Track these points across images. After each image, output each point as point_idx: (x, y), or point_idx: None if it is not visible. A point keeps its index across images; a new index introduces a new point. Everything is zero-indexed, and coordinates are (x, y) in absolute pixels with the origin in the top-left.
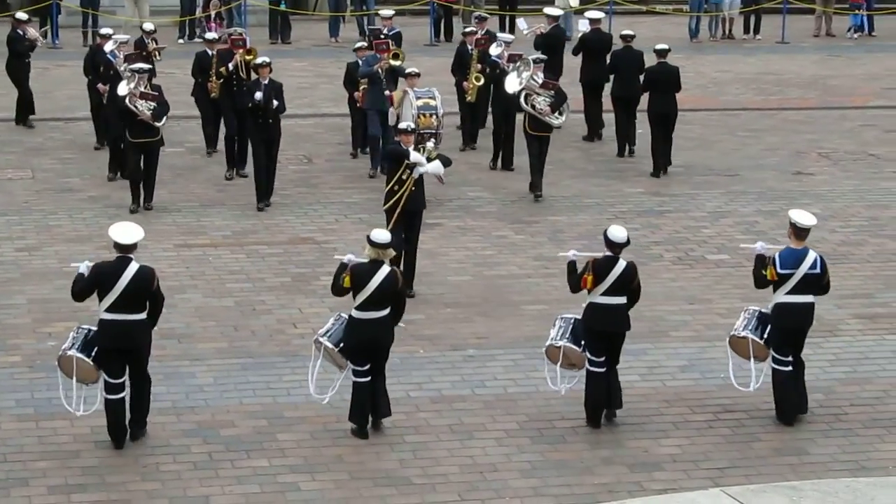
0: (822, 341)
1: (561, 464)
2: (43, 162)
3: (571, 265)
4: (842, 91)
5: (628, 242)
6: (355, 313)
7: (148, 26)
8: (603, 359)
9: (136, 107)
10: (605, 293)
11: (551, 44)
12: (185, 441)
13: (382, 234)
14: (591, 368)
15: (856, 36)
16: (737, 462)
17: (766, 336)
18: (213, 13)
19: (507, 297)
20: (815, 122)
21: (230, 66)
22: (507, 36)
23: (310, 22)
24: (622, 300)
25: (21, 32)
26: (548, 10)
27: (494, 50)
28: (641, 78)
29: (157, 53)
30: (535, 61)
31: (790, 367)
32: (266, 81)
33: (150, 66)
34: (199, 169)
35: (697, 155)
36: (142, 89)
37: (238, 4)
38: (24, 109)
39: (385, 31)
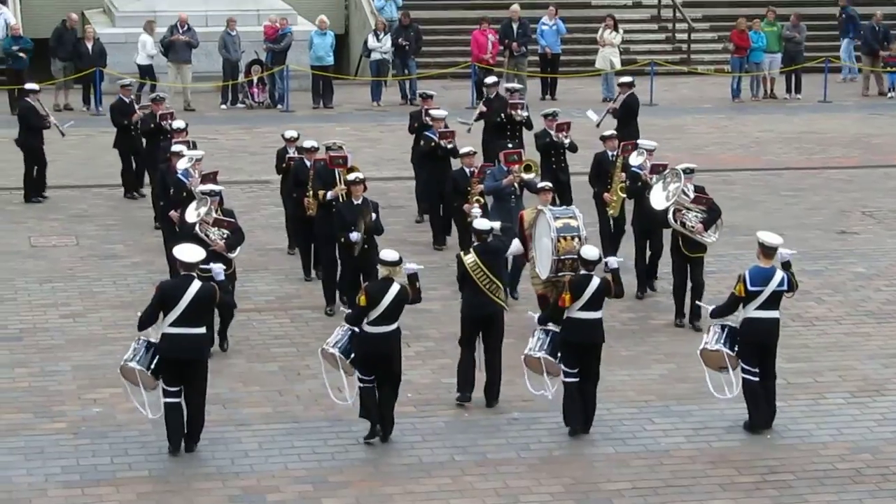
0: (868, 401)
1: None
2: (87, 229)
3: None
4: (885, 149)
5: (600, 260)
6: (367, 328)
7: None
8: (577, 370)
9: (207, 235)
10: (581, 308)
11: (630, 111)
12: None
13: (391, 254)
14: (566, 379)
15: (892, 94)
16: None
17: (736, 348)
18: (255, 78)
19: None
20: (858, 181)
21: (329, 195)
22: (648, 143)
23: (352, 86)
24: (598, 315)
25: (32, 102)
26: (623, 79)
27: (635, 159)
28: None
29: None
30: (685, 171)
31: (757, 378)
32: (359, 201)
33: (221, 188)
34: None
35: (741, 215)
36: (214, 215)
37: (281, 69)
38: (35, 185)
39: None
